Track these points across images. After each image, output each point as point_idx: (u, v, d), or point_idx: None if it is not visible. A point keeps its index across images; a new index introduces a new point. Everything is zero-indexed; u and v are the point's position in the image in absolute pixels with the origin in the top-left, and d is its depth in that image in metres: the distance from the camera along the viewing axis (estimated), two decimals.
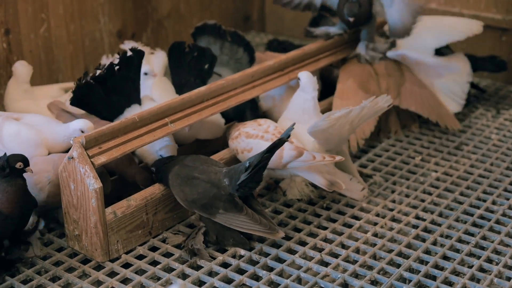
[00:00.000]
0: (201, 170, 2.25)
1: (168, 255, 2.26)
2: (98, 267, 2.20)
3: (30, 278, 2.16)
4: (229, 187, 2.20)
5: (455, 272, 2.16)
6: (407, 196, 2.57)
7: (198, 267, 2.19)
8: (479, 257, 2.21)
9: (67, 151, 2.33)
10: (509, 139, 2.96)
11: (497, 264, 2.19)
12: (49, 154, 2.42)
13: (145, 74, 2.76)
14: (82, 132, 2.35)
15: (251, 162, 2.15)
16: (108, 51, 3.50)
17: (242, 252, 2.23)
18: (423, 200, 2.53)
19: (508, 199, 2.51)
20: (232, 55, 3.05)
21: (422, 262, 2.20)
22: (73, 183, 2.15)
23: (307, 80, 2.57)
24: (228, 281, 2.13)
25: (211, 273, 2.17)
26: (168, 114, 2.39)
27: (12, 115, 2.50)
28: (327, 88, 3.08)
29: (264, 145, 2.36)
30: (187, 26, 3.92)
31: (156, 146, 2.48)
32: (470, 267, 2.18)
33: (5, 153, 2.13)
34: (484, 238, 2.32)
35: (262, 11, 4.40)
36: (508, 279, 2.12)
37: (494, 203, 2.50)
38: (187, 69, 2.87)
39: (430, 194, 2.57)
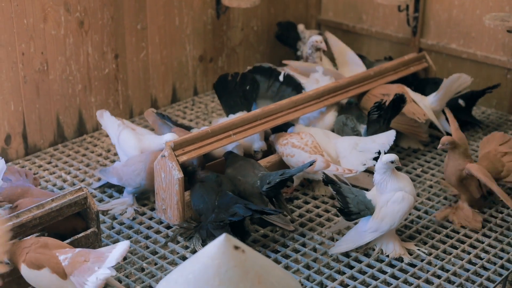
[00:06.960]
0: (243, 173, 3.13)
1: None
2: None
3: (131, 236, 3.11)
4: (259, 188, 3.06)
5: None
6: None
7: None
8: None
9: None
10: None
11: None
12: None
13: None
14: None
15: (270, 179, 3.01)
16: (191, 71, 4.45)
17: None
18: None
19: None
20: (278, 92, 3.83)
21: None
22: (164, 173, 3.08)
23: None
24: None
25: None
26: (232, 128, 3.28)
27: (130, 124, 3.46)
28: None
29: (303, 155, 3.28)
30: (255, 52, 4.80)
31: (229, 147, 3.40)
32: None
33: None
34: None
35: None
36: None
37: None
38: (234, 93, 3.68)
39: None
